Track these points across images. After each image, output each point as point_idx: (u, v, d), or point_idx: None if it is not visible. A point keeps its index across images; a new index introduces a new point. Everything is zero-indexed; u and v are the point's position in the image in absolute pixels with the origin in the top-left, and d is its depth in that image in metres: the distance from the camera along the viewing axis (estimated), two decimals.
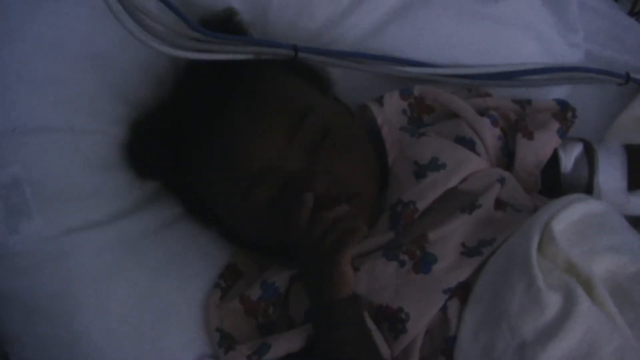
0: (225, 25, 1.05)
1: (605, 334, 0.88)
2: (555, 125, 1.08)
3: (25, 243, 0.98)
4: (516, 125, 1.09)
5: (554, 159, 1.08)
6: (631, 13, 1.36)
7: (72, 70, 1.02)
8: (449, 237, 0.98)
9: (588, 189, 1.06)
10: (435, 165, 1.03)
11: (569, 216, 0.95)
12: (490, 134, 1.07)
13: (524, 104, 1.12)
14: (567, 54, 1.21)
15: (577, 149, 1.08)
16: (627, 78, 1.18)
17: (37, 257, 0.98)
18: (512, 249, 0.94)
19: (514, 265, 0.92)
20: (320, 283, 0.94)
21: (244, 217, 1.02)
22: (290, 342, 0.99)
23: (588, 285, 0.90)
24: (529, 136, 1.07)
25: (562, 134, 1.08)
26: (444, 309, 0.95)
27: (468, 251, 0.97)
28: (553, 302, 0.89)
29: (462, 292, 0.95)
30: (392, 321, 0.96)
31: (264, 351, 0.98)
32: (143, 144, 1.05)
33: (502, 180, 1.03)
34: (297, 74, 1.06)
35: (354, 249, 0.94)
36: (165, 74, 1.07)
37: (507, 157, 1.09)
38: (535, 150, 1.06)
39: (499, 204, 1.01)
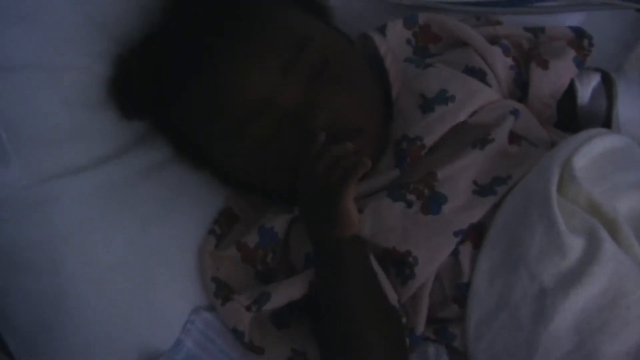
0: None
1: (632, 280, 0.84)
2: (572, 53, 1.03)
3: (4, 191, 0.93)
4: (529, 54, 1.04)
5: (570, 91, 1.03)
6: None
7: (48, 1, 0.97)
8: (460, 174, 0.94)
9: (606, 121, 1.02)
10: (443, 97, 0.98)
11: (590, 152, 0.91)
12: (501, 64, 1.02)
13: (536, 31, 1.07)
14: None
15: (594, 80, 1.03)
16: None
17: (18, 206, 0.94)
18: (529, 188, 0.90)
19: (532, 205, 0.88)
20: (323, 222, 0.91)
21: (238, 156, 0.98)
22: (291, 289, 0.95)
23: (612, 227, 0.87)
24: (544, 65, 1.02)
25: (579, 63, 1.03)
26: (455, 253, 0.92)
27: (481, 190, 0.93)
28: (575, 245, 0.85)
29: (475, 235, 0.91)
30: (400, 266, 0.93)
31: (263, 300, 0.94)
32: (129, 80, 0.99)
33: (515, 112, 0.98)
34: (293, 1, 1.01)
35: (358, 186, 0.90)
36: (150, 4, 1.02)
37: (520, 89, 1.04)
38: (550, 80, 1.02)
39: (514, 137, 0.97)
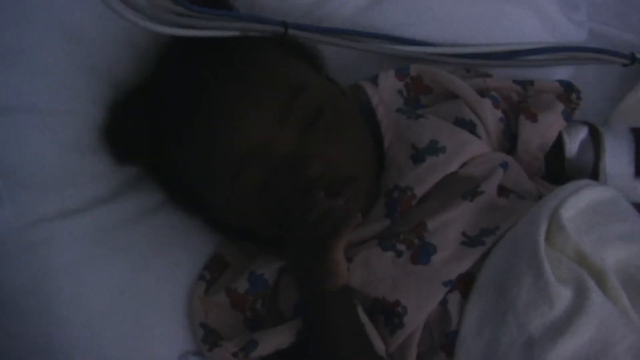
0: None
1: (619, 330, 0.84)
2: (560, 106, 1.04)
3: None
4: (518, 107, 1.05)
5: (558, 144, 1.04)
6: None
7: (43, 44, 0.97)
8: (449, 225, 0.94)
9: (594, 174, 1.02)
10: (434, 148, 0.98)
11: (577, 203, 0.91)
12: (491, 116, 1.03)
13: (526, 84, 1.08)
14: (570, 32, 1.18)
15: (582, 133, 1.04)
16: (633, 58, 1.15)
17: (8, 248, 0.93)
18: (517, 238, 0.90)
19: (520, 256, 0.88)
20: (311, 273, 0.91)
21: (231, 203, 0.97)
22: (278, 337, 0.95)
23: (600, 277, 0.87)
24: (533, 118, 1.03)
25: (567, 116, 1.04)
26: (443, 302, 0.91)
27: (469, 241, 0.93)
28: (563, 295, 0.85)
29: (464, 284, 0.91)
30: (389, 315, 0.92)
31: (251, 348, 0.93)
32: (122, 126, 0.99)
33: (505, 165, 0.99)
34: (287, 51, 1.02)
35: (348, 237, 0.90)
36: (145, 50, 1.02)
37: (509, 141, 1.05)
38: (539, 132, 1.02)
39: (502, 190, 0.97)
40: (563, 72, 1.15)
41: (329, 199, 0.91)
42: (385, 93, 1.06)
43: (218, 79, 0.96)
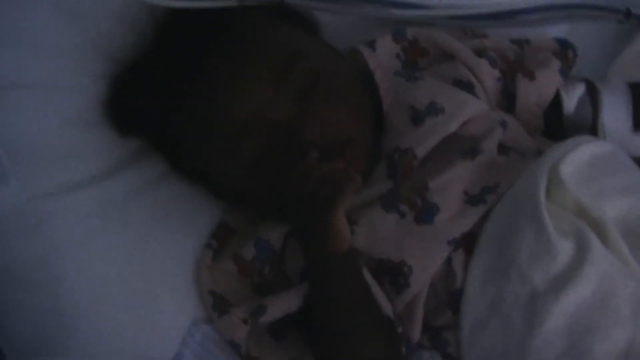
0: None
1: (620, 281, 0.85)
2: (557, 64, 1.04)
3: (3, 209, 0.94)
4: (515, 66, 1.05)
5: (556, 101, 1.04)
6: None
7: (43, 21, 0.97)
8: (451, 184, 0.95)
9: (592, 129, 1.02)
10: (433, 109, 0.99)
11: (577, 158, 0.92)
12: (489, 76, 1.03)
13: (522, 43, 1.08)
14: None
15: (579, 89, 1.04)
16: (628, 14, 1.13)
17: (16, 223, 0.94)
18: (518, 194, 0.91)
19: (521, 211, 0.89)
20: (314, 238, 0.92)
21: (232, 172, 0.98)
22: (287, 302, 0.95)
23: (600, 229, 0.87)
24: (530, 76, 1.03)
25: (564, 73, 1.04)
26: (448, 261, 0.92)
27: (471, 199, 0.94)
28: (565, 248, 0.86)
29: (467, 242, 0.92)
30: (394, 276, 0.93)
31: (259, 313, 0.95)
32: (124, 99, 1.00)
33: (504, 124, 0.99)
34: (283, 19, 1.02)
35: (348, 201, 0.91)
36: (143, 24, 1.02)
37: (507, 100, 1.05)
38: (537, 90, 1.03)
39: (502, 148, 0.98)
40: (559, 30, 1.14)
41: (326, 162, 0.91)
42: (383, 57, 1.06)
43: (215, 49, 0.96)
